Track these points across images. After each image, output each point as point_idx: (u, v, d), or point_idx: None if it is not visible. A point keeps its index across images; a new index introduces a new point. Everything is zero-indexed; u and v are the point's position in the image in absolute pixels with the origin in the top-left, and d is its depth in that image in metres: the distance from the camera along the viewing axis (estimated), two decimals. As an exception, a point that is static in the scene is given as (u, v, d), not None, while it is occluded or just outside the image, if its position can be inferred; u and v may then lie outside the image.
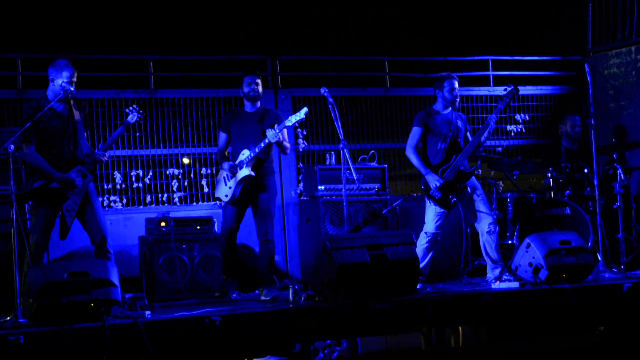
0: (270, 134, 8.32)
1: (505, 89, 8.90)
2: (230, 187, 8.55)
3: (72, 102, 7.64)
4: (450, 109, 8.91)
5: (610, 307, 7.89)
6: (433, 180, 8.66)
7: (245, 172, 8.45)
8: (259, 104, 8.77)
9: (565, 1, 13.19)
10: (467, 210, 8.82)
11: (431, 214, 8.76)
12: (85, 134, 7.67)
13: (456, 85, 8.94)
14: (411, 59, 11.61)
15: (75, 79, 7.53)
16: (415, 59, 11.64)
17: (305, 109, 8.43)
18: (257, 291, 8.46)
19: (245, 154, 8.49)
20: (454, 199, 8.66)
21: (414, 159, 8.84)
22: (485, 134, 8.76)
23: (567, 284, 7.81)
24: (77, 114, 7.63)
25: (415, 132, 8.87)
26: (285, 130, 8.55)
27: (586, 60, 11.43)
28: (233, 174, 8.52)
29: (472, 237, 9.72)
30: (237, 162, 8.54)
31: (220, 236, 8.72)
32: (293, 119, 8.43)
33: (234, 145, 8.69)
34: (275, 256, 10.47)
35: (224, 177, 8.65)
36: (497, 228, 8.75)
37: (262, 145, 8.41)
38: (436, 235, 8.74)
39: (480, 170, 10.02)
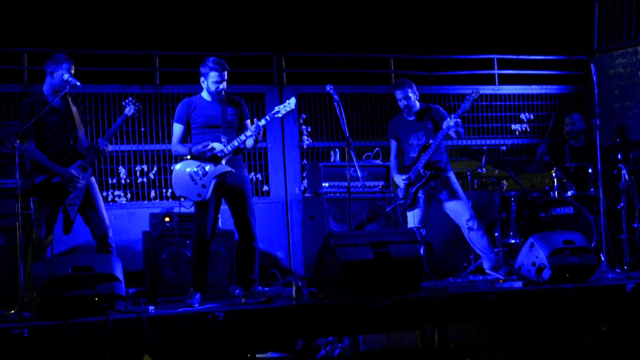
0: (253, 128, 7.72)
1: (471, 92, 8.90)
2: (204, 186, 7.73)
3: (69, 96, 7.65)
4: (414, 116, 9.03)
5: (613, 308, 7.88)
6: (398, 180, 9.06)
7: (223, 168, 7.74)
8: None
9: (572, 1, 13.17)
10: (446, 209, 9.02)
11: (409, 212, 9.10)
12: (84, 128, 7.67)
13: (409, 93, 8.95)
14: (417, 57, 11.61)
15: (73, 72, 7.54)
16: (420, 57, 11.64)
17: (294, 99, 7.92)
18: (243, 299, 7.87)
19: (217, 148, 7.74)
20: (420, 195, 8.95)
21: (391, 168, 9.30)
22: (440, 137, 8.85)
23: (570, 284, 7.81)
24: (74, 108, 7.63)
25: (391, 143, 9.25)
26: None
27: (592, 60, 11.43)
28: (206, 171, 7.75)
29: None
30: (208, 156, 7.75)
31: (197, 240, 7.83)
32: (282, 110, 7.87)
33: (199, 138, 7.87)
34: (279, 252, 10.50)
35: (190, 174, 7.77)
36: (476, 223, 8.85)
37: (245, 137, 7.75)
38: (418, 230, 8.81)
39: (484, 169, 10.03)
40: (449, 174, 8.99)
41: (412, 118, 9.02)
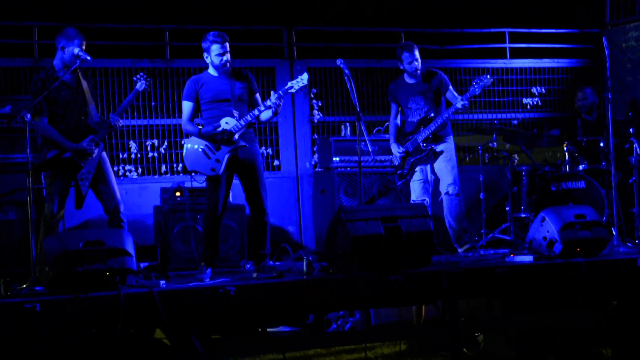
0: (273, 99, 7.63)
1: (482, 78, 8.85)
2: (217, 160, 7.66)
3: (79, 71, 7.64)
4: (416, 79, 8.99)
5: (624, 282, 7.87)
6: (394, 150, 9.09)
7: (236, 142, 7.67)
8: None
9: (584, -27, 13.08)
10: (435, 168, 9.06)
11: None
12: (94, 102, 7.66)
13: (416, 54, 8.94)
14: (427, 31, 11.56)
15: (84, 48, 7.52)
16: (431, 30, 11.59)
17: (306, 75, 7.80)
18: (254, 273, 7.82)
19: (231, 123, 7.64)
20: (417, 166, 8.98)
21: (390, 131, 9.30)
22: (445, 116, 8.87)
23: (581, 258, 7.79)
24: (84, 83, 7.62)
25: (391, 107, 9.22)
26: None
27: (604, 33, 11.35)
28: (219, 145, 7.67)
29: (486, 210, 9.73)
30: (217, 138, 7.67)
31: (208, 215, 7.76)
32: (296, 86, 7.77)
33: (209, 113, 7.77)
34: (290, 227, 10.52)
35: (202, 149, 7.69)
36: (456, 190, 8.90)
37: (264, 108, 7.66)
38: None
39: (495, 144, 10.00)
40: (447, 138, 9.03)
41: (413, 81, 9.00)
